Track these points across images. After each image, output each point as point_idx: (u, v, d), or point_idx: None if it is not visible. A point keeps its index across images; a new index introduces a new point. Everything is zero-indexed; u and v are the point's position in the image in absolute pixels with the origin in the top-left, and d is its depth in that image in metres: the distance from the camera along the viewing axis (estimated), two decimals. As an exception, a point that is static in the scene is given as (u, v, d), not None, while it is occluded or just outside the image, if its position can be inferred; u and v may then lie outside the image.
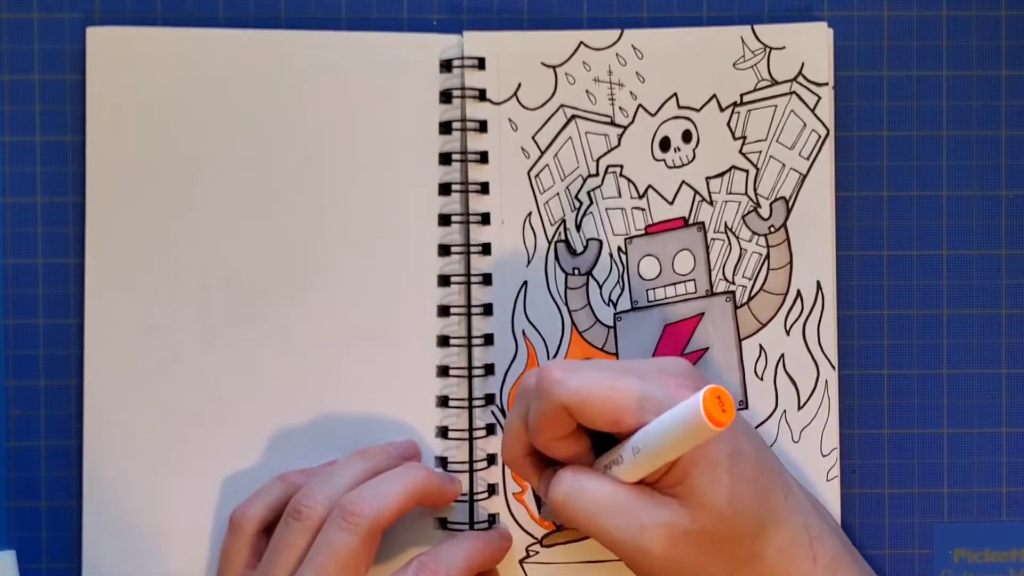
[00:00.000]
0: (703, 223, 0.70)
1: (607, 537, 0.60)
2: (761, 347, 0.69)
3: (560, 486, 0.61)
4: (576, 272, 0.70)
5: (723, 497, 0.59)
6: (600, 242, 0.70)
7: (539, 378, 0.60)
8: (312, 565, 0.62)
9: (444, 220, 0.70)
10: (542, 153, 0.70)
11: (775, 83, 0.69)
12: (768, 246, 0.69)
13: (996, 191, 0.71)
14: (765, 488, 0.61)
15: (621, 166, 0.70)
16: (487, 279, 0.69)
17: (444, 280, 0.70)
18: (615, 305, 0.70)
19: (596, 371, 0.60)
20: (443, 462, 0.69)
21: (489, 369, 0.69)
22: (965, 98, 0.71)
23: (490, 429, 0.70)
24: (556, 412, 0.60)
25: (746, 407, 0.69)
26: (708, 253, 0.70)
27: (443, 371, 0.70)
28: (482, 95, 0.69)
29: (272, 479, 0.67)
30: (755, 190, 0.69)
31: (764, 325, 0.69)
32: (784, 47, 0.69)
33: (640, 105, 0.69)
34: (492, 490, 0.70)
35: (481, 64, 0.69)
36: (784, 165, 0.69)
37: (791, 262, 0.69)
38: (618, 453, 0.60)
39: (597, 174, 0.70)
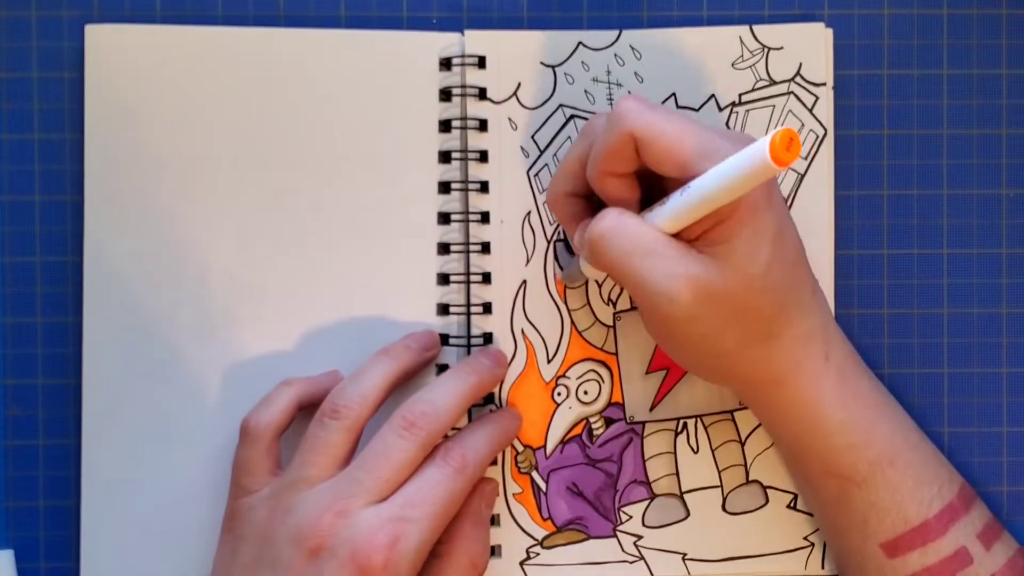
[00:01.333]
0: (703, 222, 0.70)
1: (635, 278, 0.60)
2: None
3: (603, 221, 0.60)
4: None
5: (760, 267, 0.59)
6: (600, 241, 0.70)
7: (616, 106, 0.60)
8: (364, 465, 0.62)
9: (444, 218, 0.69)
10: (541, 152, 0.69)
11: (773, 83, 0.69)
12: (768, 245, 0.69)
13: (996, 190, 0.71)
14: (798, 276, 0.62)
15: (621, 165, 0.70)
16: (486, 278, 0.69)
17: (443, 278, 0.69)
18: (614, 304, 0.70)
19: (673, 113, 0.60)
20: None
21: (488, 368, 0.69)
22: (965, 97, 0.71)
23: (489, 428, 0.70)
24: (624, 142, 0.60)
25: (746, 407, 0.69)
26: (708, 252, 0.69)
27: (442, 369, 0.69)
28: (482, 94, 0.69)
29: (277, 385, 0.67)
30: (755, 189, 0.69)
31: (764, 324, 0.69)
32: (782, 47, 0.69)
33: (639, 104, 0.69)
34: (491, 489, 0.70)
35: (481, 63, 0.69)
36: (783, 165, 0.69)
37: (791, 261, 0.69)
38: (666, 202, 0.60)
39: (596, 173, 0.70)
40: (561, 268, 0.69)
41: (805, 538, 0.70)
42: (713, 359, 0.62)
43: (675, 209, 0.59)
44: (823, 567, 0.70)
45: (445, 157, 0.70)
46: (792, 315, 0.61)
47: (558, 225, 0.69)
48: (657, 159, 0.59)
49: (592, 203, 0.65)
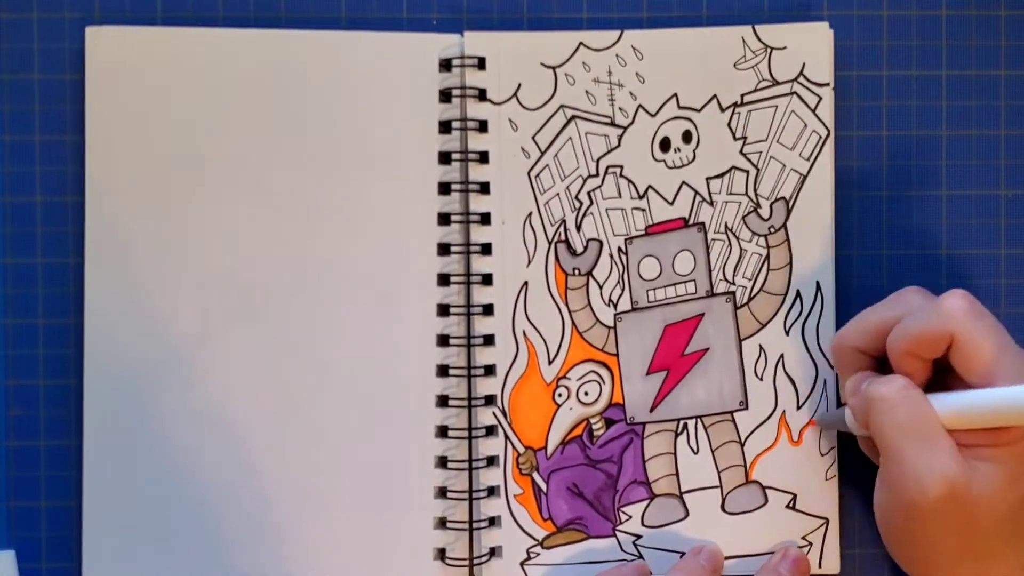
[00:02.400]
0: (703, 224, 0.70)
1: (900, 455, 0.60)
2: (761, 347, 0.69)
3: (890, 385, 0.61)
4: (576, 272, 0.70)
5: (1014, 497, 0.60)
6: (600, 242, 0.70)
7: (945, 300, 0.61)
8: None
9: (444, 219, 0.70)
10: (542, 153, 0.69)
11: (776, 83, 0.69)
12: (768, 247, 0.69)
13: (995, 190, 0.71)
14: None
15: (621, 166, 0.70)
16: (487, 279, 0.69)
17: (444, 279, 0.70)
18: (615, 305, 0.70)
19: (995, 327, 0.61)
20: (443, 461, 0.69)
21: (489, 370, 0.69)
22: (964, 98, 0.71)
23: (490, 430, 0.70)
24: (941, 338, 0.60)
25: (746, 407, 0.69)
26: (708, 254, 0.70)
27: (443, 371, 0.70)
28: (482, 95, 0.69)
29: None
30: (755, 191, 0.69)
31: (764, 325, 0.70)
32: (785, 47, 0.69)
33: (640, 106, 0.69)
34: (492, 491, 0.70)
35: (481, 64, 0.69)
36: (784, 166, 0.69)
37: (791, 263, 0.69)
38: (954, 397, 0.60)
39: (597, 174, 0.70)
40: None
41: (804, 538, 0.70)
42: (925, 558, 0.62)
43: (964, 410, 0.60)
44: (821, 566, 0.70)
45: (445, 158, 0.70)
46: (1019, 545, 0.62)
47: (559, 226, 0.69)
48: (965, 366, 0.60)
49: (874, 359, 0.65)
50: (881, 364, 0.64)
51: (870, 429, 0.62)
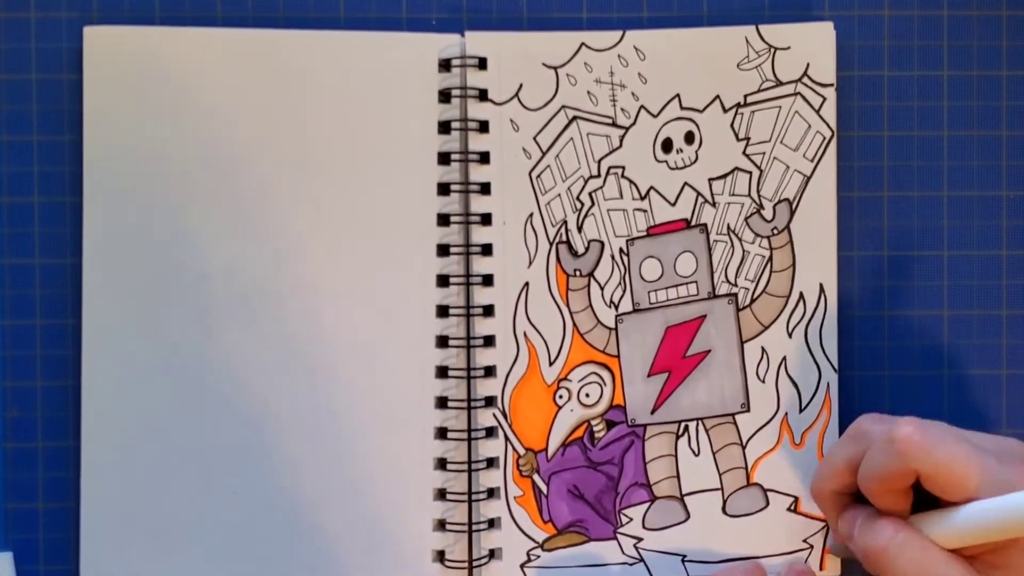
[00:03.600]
0: (705, 225, 0.69)
1: None
2: (763, 349, 0.69)
3: (881, 534, 0.61)
4: (577, 273, 0.69)
5: None
6: (602, 243, 0.69)
7: (897, 438, 0.59)
8: None
9: (443, 220, 0.69)
10: (544, 154, 0.69)
11: (780, 84, 0.69)
12: (771, 248, 0.69)
13: (997, 191, 0.71)
14: None
15: (623, 167, 0.69)
16: (487, 280, 0.69)
17: (443, 280, 0.69)
18: (617, 307, 0.70)
19: (955, 442, 0.60)
20: (442, 463, 0.69)
21: (489, 371, 0.69)
22: (966, 98, 0.71)
23: (490, 432, 0.69)
24: (903, 475, 0.60)
25: (748, 410, 0.69)
26: (710, 255, 0.69)
27: (442, 372, 0.69)
28: (483, 95, 0.69)
29: None
30: (758, 192, 0.69)
31: (766, 328, 0.69)
32: (789, 47, 0.69)
33: (642, 106, 0.69)
34: (492, 493, 0.69)
35: (482, 64, 0.69)
36: (788, 167, 0.69)
37: (794, 265, 0.69)
38: (946, 517, 0.60)
39: (599, 175, 0.69)
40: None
41: (805, 540, 0.70)
42: None
43: (958, 531, 0.59)
44: (822, 569, 0.70)
45: (444, 159, 0.69)
46: None
47: (560, 227, 0.69)
48: (941, 491, 0.60)
49: (856, 495, 0.65)
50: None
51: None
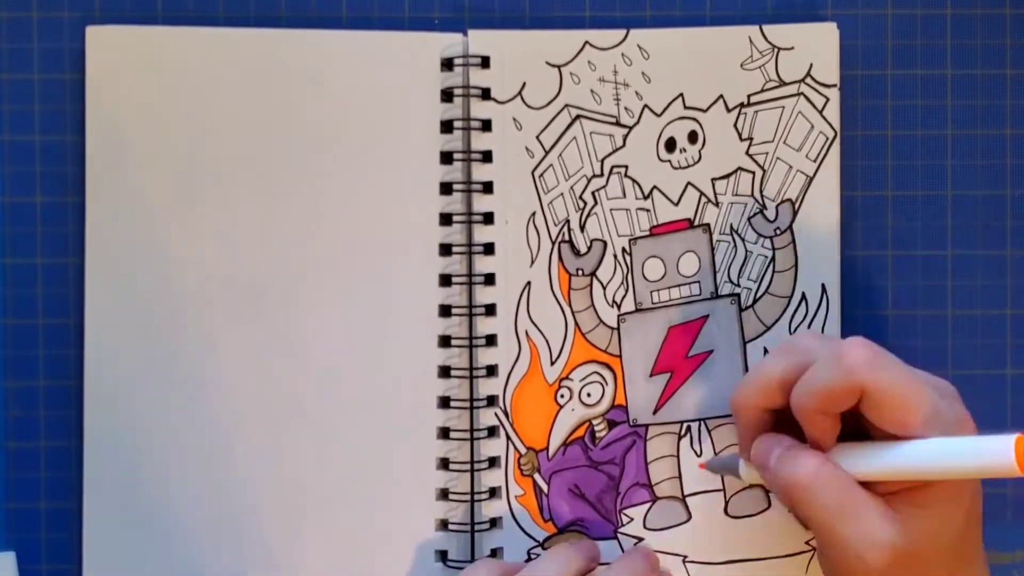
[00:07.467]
0: (708, 225, 0.69)
1: (831, 535, 0.59)
2: (766, 350, 0.69)
3: (803, 467, 0.59)
4: (580, 273, 0.69)
5: (954, 533, 0.59)
6: (604, 243, 0.69)
7: (846, 353, 0.57)
8: None
9: (445, 219, 0.69)
10: (546, 153, 0.69)
11: (783, 84, 0.69)
12: (774, 248, 0.69)
13: (1001, 190, 0.71)
14: (977, 536, 0.61)
15: (626, 167, 0.69)
16: (489, 279, 0.69)
17: (445, 280, 0.69)
18: (619, 306, 0.69)
19: (905, 370, 0.58)
20: (444, 463, 0.69)
21: (491, 370, 0.69)
22: (970, 97, 0.71)
23: (492, 431, 0.69)
24: (849, 392, 0.57)
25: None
26: (713, 255, 0.69)
27: (444, 371, 0.69)
28: (486, 94, 0.69)
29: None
30: (761, 192, 0.69)
31: (769, 328, 0.69)
32: (793, 47, 0.69)
33: (646, 105, 0.69)
34: (494, 492, 0.69)
35: (485, 63, 0.69)
36: (791, 167, 0.69)
37: (796, 265, 0.69)
38: (874, 450, 0.59)
39: (602, 174, 0.69)
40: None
41: (807, 543, 0.70)
42: None
43: (888, 468, 0.58)
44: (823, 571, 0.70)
45: (446, 158, 0.69)
46: (966, 572, 0.61)
47: (562, 226, 0.69)
48: (881, 418, 0.58)
49: (778, 415, 0.63)
50: (785, 415, 0.62)
51: (794, 510, 0.61)
